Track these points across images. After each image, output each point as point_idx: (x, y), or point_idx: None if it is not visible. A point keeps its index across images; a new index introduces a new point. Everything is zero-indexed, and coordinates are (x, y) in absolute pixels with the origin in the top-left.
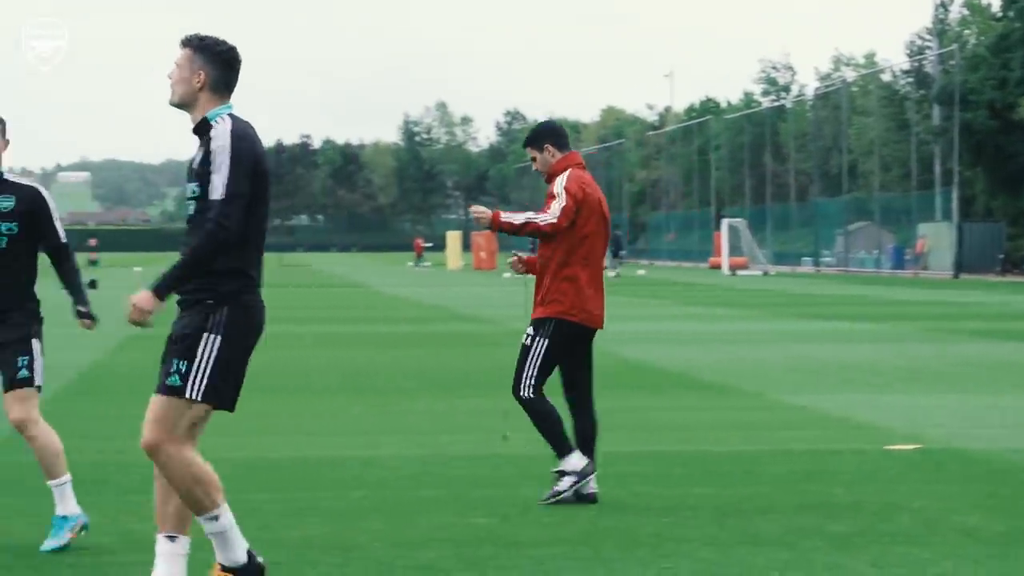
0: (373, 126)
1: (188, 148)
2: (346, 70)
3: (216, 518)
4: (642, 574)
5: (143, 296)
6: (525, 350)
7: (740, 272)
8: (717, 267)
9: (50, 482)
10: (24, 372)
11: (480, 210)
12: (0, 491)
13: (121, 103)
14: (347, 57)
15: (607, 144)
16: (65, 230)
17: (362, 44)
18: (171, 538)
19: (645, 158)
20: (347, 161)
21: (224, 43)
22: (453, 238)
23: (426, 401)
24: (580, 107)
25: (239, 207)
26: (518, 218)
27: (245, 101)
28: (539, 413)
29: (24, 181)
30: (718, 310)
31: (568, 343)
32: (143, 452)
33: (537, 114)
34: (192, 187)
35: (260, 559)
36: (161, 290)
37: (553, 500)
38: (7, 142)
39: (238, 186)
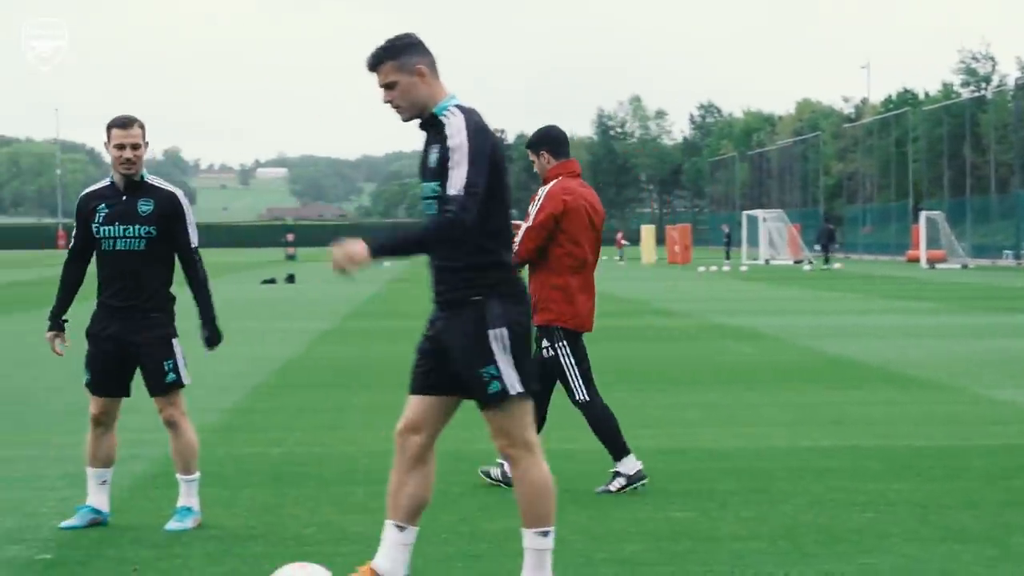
0: (567, 120)
1: (382, 144)
2: (540, 64)
3: (546, 534)
4: (842, 570)
5: (359, 248)
6: (550, 361)
7: (938, 266)
8: (915, 261)
9: (185, 477)
10: (171, 376)
11: None
12: (206, 481)
13: (318, 100)
14: (541, 52)
15: (802, 137)
16: (197, 232)
17: (556, 38)
18: (400, 527)
19: (841, 151)
20: None
21: (403, 34)
22: (647, 232)
23: (622, 394)
24: (775, 99)
25: (476, 201)
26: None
27: None
28: (596, 417)
29: (164, 185)
30: (917, 304)
31: (572, 340)
32: (340, 444)
33: (732, 107)
34: (431, 186)
35: None
36: (377, 251)
37: (603, 491)
38: (147, 144)
39: (477, 180)
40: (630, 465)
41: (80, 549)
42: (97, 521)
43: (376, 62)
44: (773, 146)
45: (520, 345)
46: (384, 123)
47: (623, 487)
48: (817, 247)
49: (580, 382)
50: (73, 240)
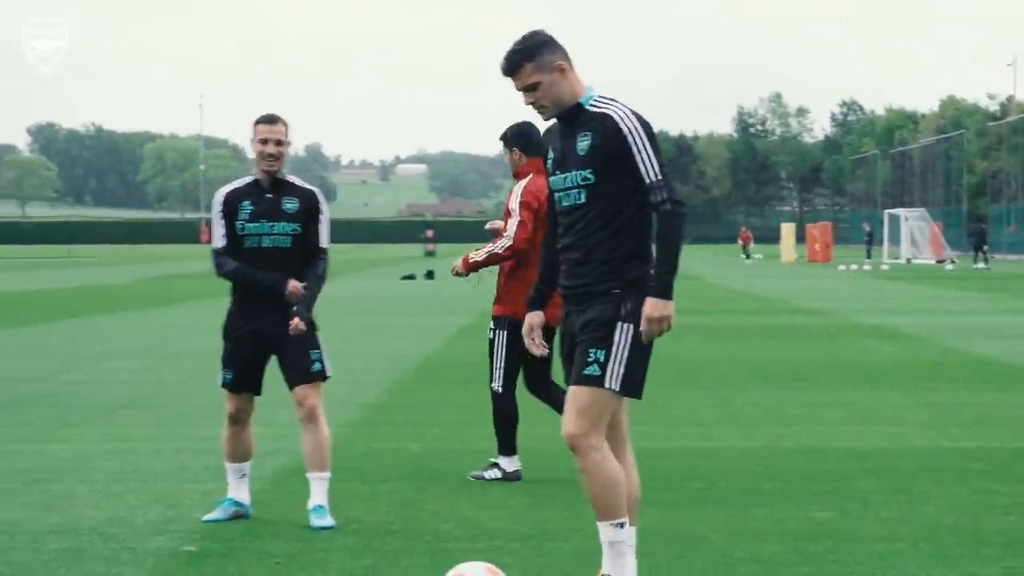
0: (707, 118)
1: None
2: (680, 61)
3: (622, 525)
4: (986, 573)
5: (656, 304)
6: (490, 344)
7: None
8: None
9: (320, 474)
10: (317, 365)
11: (453, 265)
12: (346, 476)
13: (458, 97)
14: (681, 49)
15: (946, 135)
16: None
17: (696, 35)
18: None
19: (985, 149)
20: (680, 153)
21: (532, 32)
22: (787, 230)
23: (759, 393)
24: (918, 97)
25: (671, 180)
26: (481, 255)
27: None
28: (502, 411)
29: (304, 184)
30: None
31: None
32: (479, 440)
33: (874, 105)
34: (582, 174)
35: None
36: (669, 289)
37: (474, 477)
38: (289, 143)
39: (663, 160)
40: (511, 464)
41: (222, 541)
42: (239, 514)
43: (513, 66)
44: (916, 144)
45: (642, 346)
46: (524, 120)
47: (497, 478)
48: (969, 248)
49: (502, 372)
50: (224, 240)
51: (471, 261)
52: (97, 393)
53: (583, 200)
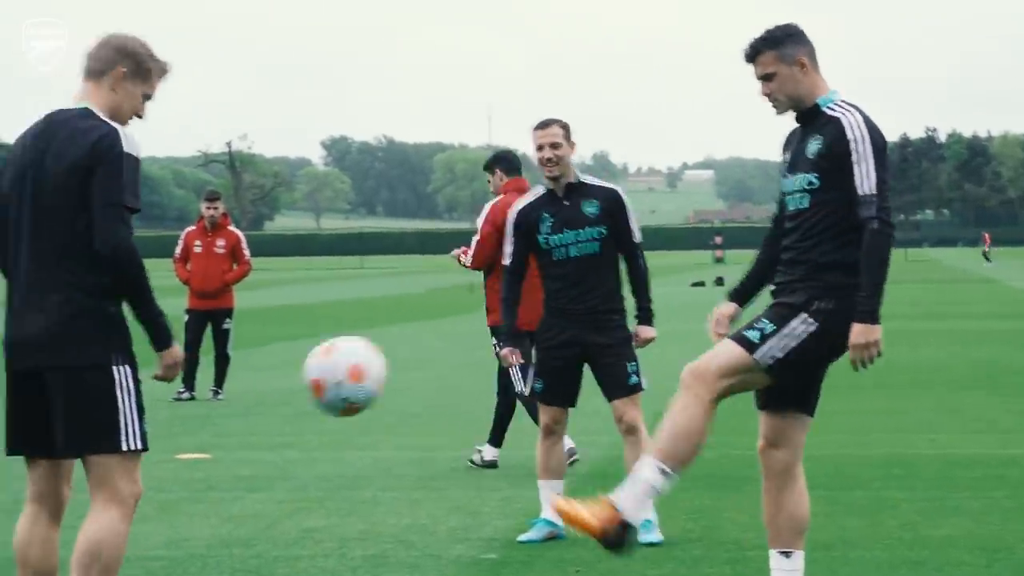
0: (1002, 117)
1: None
2: (977, 60)
3: (667, 475)
4: None
5: (863, 330)
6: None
7: None
8: None
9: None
10: (634, 379)
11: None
12: (709, 485)
13: (743, 102)
14: (977, 49)
15: None
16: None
17: (971, 38)
18: (785, 554)
19: None
20: (974, 154)
21: (784, 23)
22: None
23: None
24: None
25: (888, 197)
26: (465, 258)
27: (869, 93)
28: (529, 408)
29: (602, 183)
30: None
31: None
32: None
33: None
34: (808, 178)
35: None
36: (876, 314)
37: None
38: (572, 144)
39: (886, 177)
40: (492, 453)
41: (523, 550)
42: (553, 535)
43: (755, 52)
44: None
45: (810, 347)
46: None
47: (477, 464)
48: None
49: (519, 376)
50: (512, 257)
51: (461, 261)
52: (395, 402)
53: (806, 205)
